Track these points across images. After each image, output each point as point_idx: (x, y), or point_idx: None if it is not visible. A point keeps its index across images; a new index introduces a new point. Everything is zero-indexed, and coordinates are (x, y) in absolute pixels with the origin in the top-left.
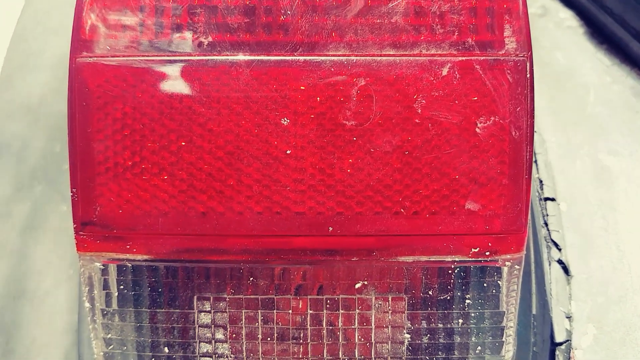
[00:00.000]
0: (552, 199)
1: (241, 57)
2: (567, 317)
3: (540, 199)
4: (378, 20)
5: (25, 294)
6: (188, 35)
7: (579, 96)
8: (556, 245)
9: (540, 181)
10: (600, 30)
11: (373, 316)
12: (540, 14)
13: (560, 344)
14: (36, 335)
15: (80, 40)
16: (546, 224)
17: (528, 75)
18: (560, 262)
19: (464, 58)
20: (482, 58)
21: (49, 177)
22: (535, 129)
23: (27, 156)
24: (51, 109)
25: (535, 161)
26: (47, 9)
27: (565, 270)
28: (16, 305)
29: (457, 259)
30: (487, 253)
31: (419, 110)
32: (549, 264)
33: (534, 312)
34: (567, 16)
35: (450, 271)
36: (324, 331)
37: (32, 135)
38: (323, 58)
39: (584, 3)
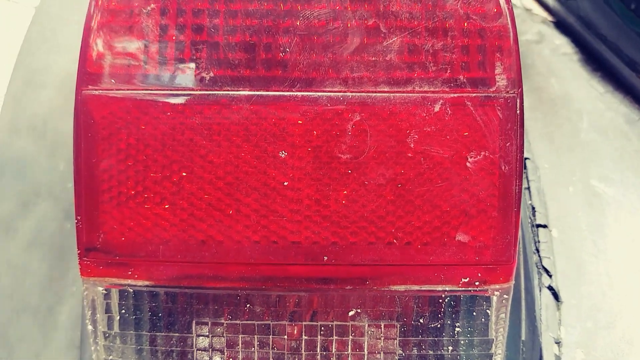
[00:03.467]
0: (544, 226)
1: (241, 92)
2: (556, 343)
3: (532, 226)
4: (373, 58)
5: (29, 309)
6: (190, 70)
7: (573, 122)
8: (547, 271)
9: (533, 208)
10: (595, 58)
11: (366, 342)
12: (536, 41)
13: None
14: (39, 351)
15: (87, 73)
16: (537, 251)
17: (518, 112)
18: (550, 288)
19: (455, 95)
20: (473, 95)
21: (54, 194)
22: (529, 156)
23: (31, 173)
24: (56, 126)
25: (528, 188)
26: (53, 27)
27: (556, 296)
28: (19, 320)
29: (447, 289)
30: (477, 283)
31: (412, 145)
32: (540, 290)
33: (523, 337)
34: (563, 43)
35: (440, 300)
36: (318, 356)
37: (37, 152)
38: (320, 94)
39: (579, 30)
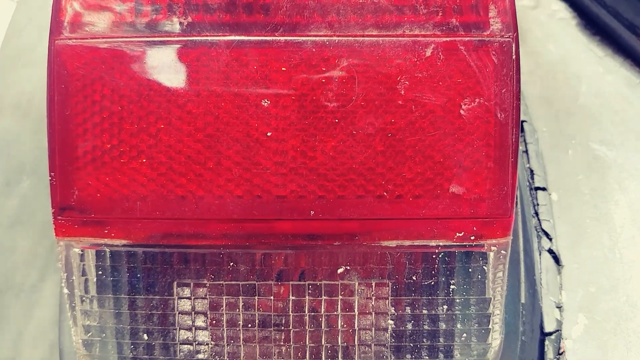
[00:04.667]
0: (543, 189)
1: (221, 37)
2: (557, 307)
3: (531, 189)
4: (360, 0)
5: (12, 288)
6: (167, 16)
7: (572, 86)
8: (547, 234)
9: (531, 171)
10: (594, 22)
11: (356, 302)
12: (532, 6)
13: (550, 333)
14: (22, 329)
15: (59, 22)
16: (537, 214)
17: (514, 57)
18: (550, 251)
19: (448, 39)
20: (466, 39)
21: (38, 172)
22: (527, 119)
23: (15, 151)
24: (41, 104)
25: (526, 151)
26: (40, 5)
27: (556, 259)
28: (3, 299)
29: (441, 244)
30: (472, 238)
31: (402, 92)
32: (539, 254)
33: (522, 301)
34: (560, 8)
35: (434, 256)
36: (307, 318)
37: (20, 130)
38: (304, 38)
39: None
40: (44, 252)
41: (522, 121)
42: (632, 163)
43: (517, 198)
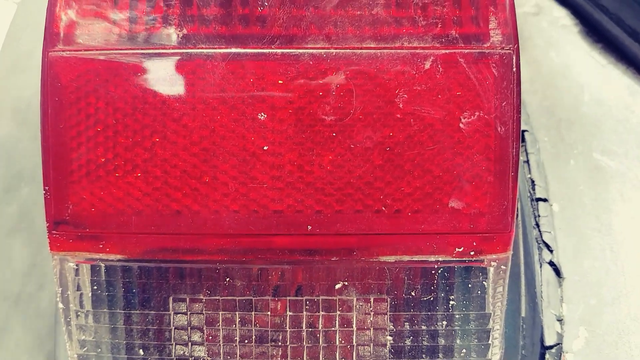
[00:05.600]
0: (544, 200)
1: (217, 49)
2: (558, 320)
3: (532, 200)
4: (358, 12)
5: (10, 297)
6: (162, 28)
7: (574, 95)
8: (548, 246)
9: (532, 181)
10: (596, 29)
11: (354, 318)
12: (534, 13)
13: (551, 347)
14: (19, 339)
15: (53, 34)
16: (537, 225)
17: (514, 69)
18: (551, 263)
19: (447, 51)
20: (466, 51)
21: (36, 179)
22: (528, 129)
23: (14, 157)
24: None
25: (527, 161)
26: (40, 10)
27: (557, 272)
28: (0, 308)
29: (440, 259)
30: (472, 253)
31: (401, 105)
32: (540, 266)
33: (523, 314)
34: (562, 15)
35: (433, 271)
36: (304, 333)
37: (19, 136)
38: (301, 51)
39: (578, 1)
40: (41, 261)
41: (523, 131)
42: (634, 173)
43: (517, 209)
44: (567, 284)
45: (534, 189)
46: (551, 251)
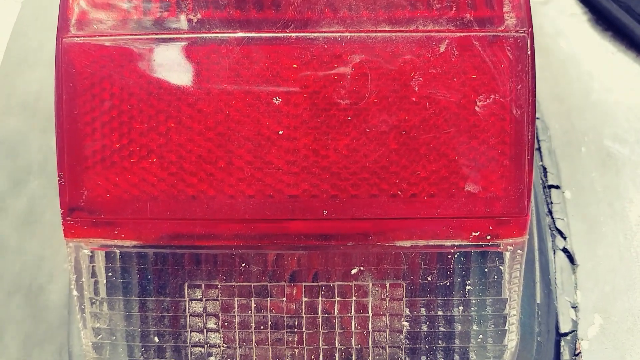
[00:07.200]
0: (557, 187)
1: (231, 34)
2: (572, 307)
3: (544, 187)
4: None
5: (20, 289)
6: (177, 13)
7: (584, 83)
8: (561, 233)
9: (544, 168)
10: (605, 17)
11: (370, 303)
12: (543, 2)
13: (566, 334)
14: (30, 331)
15: (67, 20)
16: (550, 212)
17: (529, 52)
18: (565, 250)
19: (462, 34)
20: (481, 34)
21: (46, 172)
22: (539, 116)
23: (23, 151)
24: (48, 103)
25: (539, 148)
26: (46, 5)
27: (571, 259)
28: (10, 301)
29: (456, 244)
30: (488, 237)
31: (416, 89)
32: (554, 253)
33: (538, 301)
34: (571, 3)
35: (449, 256)
36: (320, 319)
37: (28, 130)
38: (316, 35)
39: None
40: (51, 254)
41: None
42: None
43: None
44: (581, 271)
45: (546, 176)
46: (564, 238)
